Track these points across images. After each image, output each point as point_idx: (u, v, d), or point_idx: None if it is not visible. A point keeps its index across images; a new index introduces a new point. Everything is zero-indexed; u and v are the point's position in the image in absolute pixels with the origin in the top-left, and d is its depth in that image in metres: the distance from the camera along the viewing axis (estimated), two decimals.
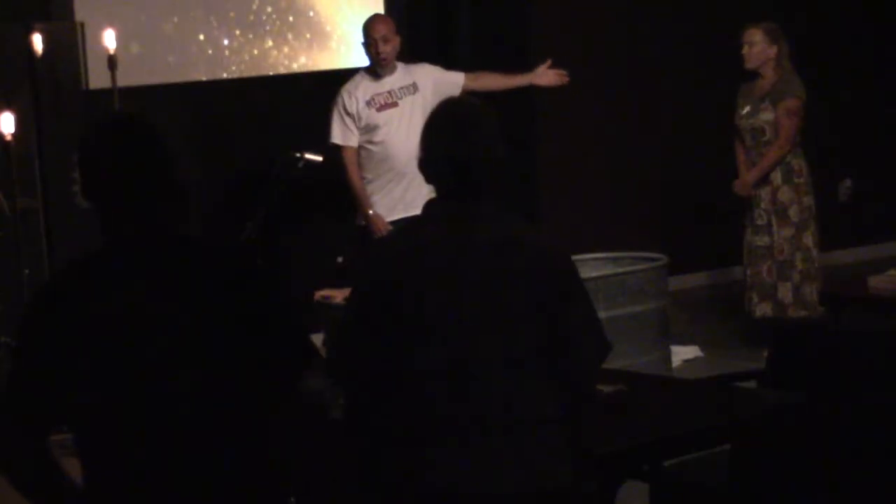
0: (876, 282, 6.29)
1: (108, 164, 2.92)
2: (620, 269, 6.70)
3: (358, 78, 7.16)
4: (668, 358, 6.76)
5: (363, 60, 7.16)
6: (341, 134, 7.03)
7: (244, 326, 2.91)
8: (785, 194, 7.37)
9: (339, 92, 7.08)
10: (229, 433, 2.90)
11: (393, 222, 6.98)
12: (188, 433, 2.87)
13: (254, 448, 2.93)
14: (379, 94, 7.03)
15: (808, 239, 7.41)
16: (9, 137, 6.27)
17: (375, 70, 7.06)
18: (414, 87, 7.05)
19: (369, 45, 7.03)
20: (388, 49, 7.00)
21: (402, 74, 7.09)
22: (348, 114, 7.04)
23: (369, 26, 7.06)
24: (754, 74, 7.46)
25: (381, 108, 7.02)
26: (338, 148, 7.01)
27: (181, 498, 2.87)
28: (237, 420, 2.91)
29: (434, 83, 7.03)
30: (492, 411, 3.31)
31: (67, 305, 2.88)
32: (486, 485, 3.30)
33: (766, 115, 7.35)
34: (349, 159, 7.04)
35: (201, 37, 7.98)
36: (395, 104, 7.01)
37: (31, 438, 2.90)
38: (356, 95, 7.04)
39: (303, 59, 8.24)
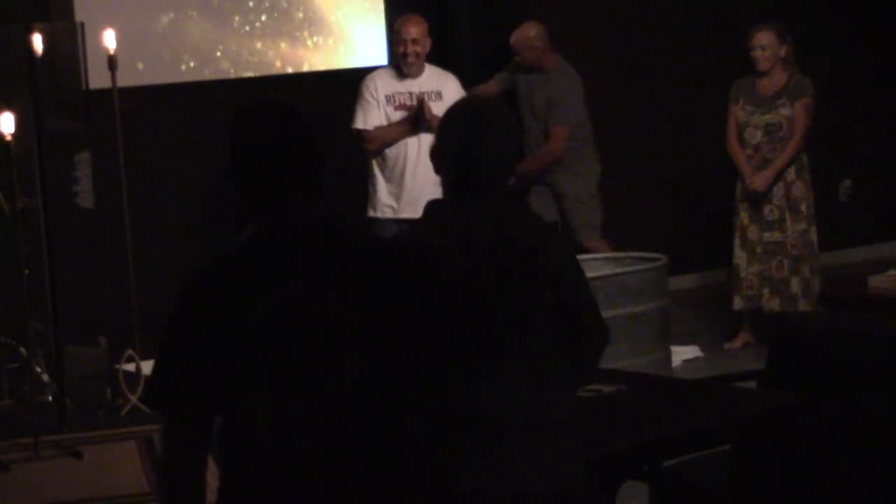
0: (876, 282, 6.31)
1: (267, 150, 2.88)
2: (620, 269, 6.69)
3: (382, 72, 7.14)
4: (668, 358, 6.75)
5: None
6: (364, 118, 6.98)
7: (402, 318, 2.92)
8: (798, 190, 7.47)
9: (364, 81, 7.06)
10: (385, 425, 2.89)
11: (398, 221, 6.96)
12: (345, 425, 2.85)
13: (405, 440, 2.94)
14: (400, 94, 7.01)
15: (813, 235, 7.48)
16: (9, 137, 6.27)
17: (401, 69, 7.04)
18: (438, 95, 6.99)
19: (398, 44, 7.01)
20: (418, 50, 6.97)
21: (428, 78, 7.05)
22: (374, 98, 7.00)
23: (401, 27, 7.02)
24: (754, 72, 7.47)
25: (398, 108, 7.00)
26: (359, 134, 6.96)
27: (328, 491, 2.84)
28: (393, 412, 2.91)
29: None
30: (507, 412, 3.29)
31: (221, 298, 2.83)
32: (502, 485, 3.28)
33: (785, 111, 7.41)
34: (372, 135, 6.99)
35: (201, 37, 7.98)
36: (413, 107, 6.98)
37: (191, 430, 2.86)
38: (379, 87, 7.01)
39: (303, 59, 8.24)
